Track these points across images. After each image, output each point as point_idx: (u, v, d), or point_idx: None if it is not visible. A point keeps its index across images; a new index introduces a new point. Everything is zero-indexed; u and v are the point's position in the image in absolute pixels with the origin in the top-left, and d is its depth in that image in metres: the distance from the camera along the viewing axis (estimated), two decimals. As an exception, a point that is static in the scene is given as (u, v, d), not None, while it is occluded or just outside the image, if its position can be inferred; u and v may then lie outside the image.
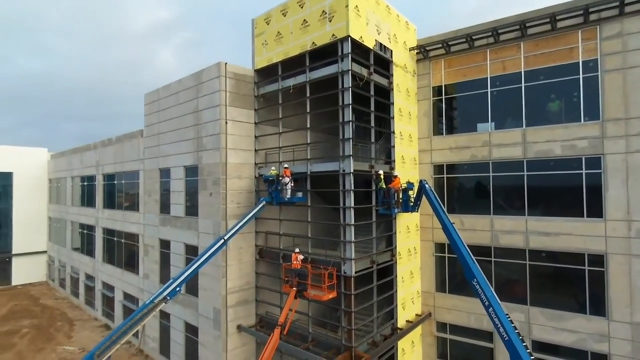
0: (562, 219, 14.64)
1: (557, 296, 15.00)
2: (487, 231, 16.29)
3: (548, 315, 14.82)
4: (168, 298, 11.92)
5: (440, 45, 17.06)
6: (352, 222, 13.60)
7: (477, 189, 17.14)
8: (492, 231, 16.17)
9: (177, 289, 12.13)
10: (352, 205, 13.60)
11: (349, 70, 13.53)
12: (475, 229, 16.50)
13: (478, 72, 16.70)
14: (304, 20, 15.01)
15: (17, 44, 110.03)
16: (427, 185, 13.55)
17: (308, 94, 15.08)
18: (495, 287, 14.99)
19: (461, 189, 17.66)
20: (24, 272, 36.27)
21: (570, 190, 14.77)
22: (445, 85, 17.72)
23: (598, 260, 14.03)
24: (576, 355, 14.24)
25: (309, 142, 15.26)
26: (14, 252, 35.79)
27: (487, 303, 10.67)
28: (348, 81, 13.59)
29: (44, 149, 37.84)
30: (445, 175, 17.69)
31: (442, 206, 12.89)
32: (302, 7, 15.11)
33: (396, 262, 15.94)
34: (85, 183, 29.61)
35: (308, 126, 15.20)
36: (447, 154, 17.44)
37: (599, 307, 14.00)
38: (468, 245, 11.82)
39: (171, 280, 12.17)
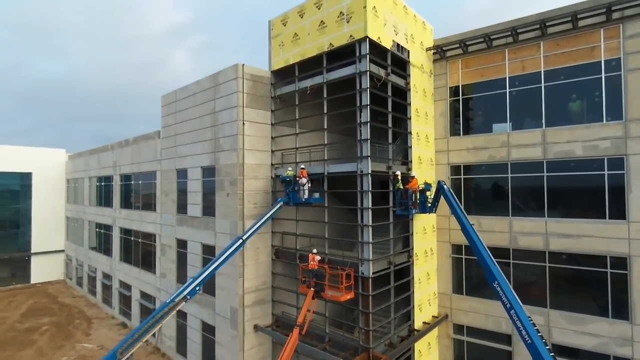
0: (584, 221, 14.40)
1: (578, 299, 14.76)
2: (506, 233, 16.10)
3: (568, 318, 14.58)
4: (188, 297, 12.06)
5: (457, 46, 16.93)
6: (370, 223, 13.58)
7: (495, 190, 16.97)
8: (510, 233, 15.98)
9: (197, 288, 12.26)
10: (370, 206, 13.57)
11: (367, 71, 13.53)
12: (493, 230, 16.32)
13: (496, 72, 16.53)
14: (321, 21, 15.05)
15: (37, 48, 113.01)
16: (445, 187, 13.45)
17: (325, 95, 15.11)
18: (513, 289, 14.80)
19: (478, 190, 17.50)
20: (42, 270, 37.03)
21: (591, 191, 14.52)
22: (462, 85, 17.58)
23: (621, 262, 13.76)
24: (598, 359, 13.99)
25: (326, 142, 15.28)
26: (32, 251, 36.57)
27: (508, 305, 10.56)
28: (366, 82, 13.59)
29: (62, 149, 38.62)
30: (462, 176, 17.54)
31: (462, 208, 12.77)
32: (319, 9, 15.16)
33: (413, 263, 15.86)
34: (102, 183, 30.13)
35: (325, 127, 15.23)
36: (464, 155, 17.29)
37: (621, 311, 13.73)
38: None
39: (191, 280, 12.32)
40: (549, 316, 14.98)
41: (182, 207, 19.86)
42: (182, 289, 12.05)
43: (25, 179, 36.40)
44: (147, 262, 23.52)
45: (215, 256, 16.53)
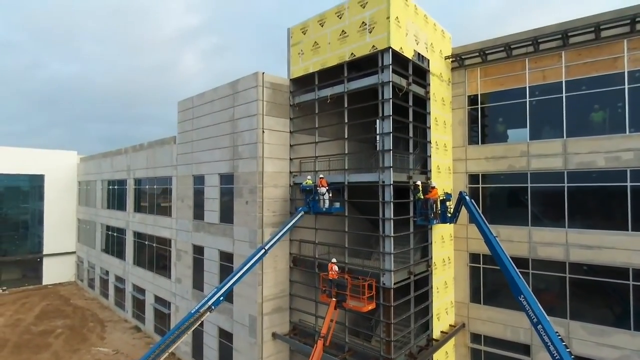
0: (605, 232, 14.34)
1: (599, 310, 14.69)
2: (525, 242, 16.06)
3: (589, 329, 14.52)
4: (212, 307, 12.12)
5: (477, 54, 16.90)
6: (392, 233, 13.59)
7: (514, 199, 16.92)
8: (530, 243, 15.93)
9: (221, 298, 12.32)
10: (392, 217, 13.58)
11: (389, 82, 13.54)
12: (512, 240, 16.27)
13: (516, 81, 16.48)
14: (343, 30, 15.08)
15: (53, 50, 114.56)
16: (467, 198, 13.44)
17: (346, 105, 15.13)
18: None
19: (497, 200, 17.46)
20: (53, 272, 37.29)
21: (613, 203, 14.46)
22: (481, 94, 17.54)
23: None
24: None
25: (346, 152, 15.31)
26: (44, 252, 36.83)
27: (535, 320, 10.53)
28: (389, 93, 13.60)
29: (74, 152, 38.85)
30: (480, 185, 17.50)
31: (484, 218, 12.77)
32: (340, 18, 15.18)
33: (432, 273, 15.86)
34: (115, 187, 30.31)
35: (346, 136, 15.26)
36: (483, 164, 17.26)
37: None
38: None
39: (215, 290, 12.37)
40: (569, 327, 14.93)
41: (198, 213, 19.95)
42: (206, 299, 12.11)
43: (37, 180, 36.68)
44: (161, 266, 23.64)
45: (234, 264, 16.70)
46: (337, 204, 15.04)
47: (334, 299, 13.48)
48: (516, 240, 16.22)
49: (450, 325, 17.31)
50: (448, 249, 17.51)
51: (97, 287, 33.40)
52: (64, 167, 37.91)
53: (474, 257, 17.56)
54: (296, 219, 14.55)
